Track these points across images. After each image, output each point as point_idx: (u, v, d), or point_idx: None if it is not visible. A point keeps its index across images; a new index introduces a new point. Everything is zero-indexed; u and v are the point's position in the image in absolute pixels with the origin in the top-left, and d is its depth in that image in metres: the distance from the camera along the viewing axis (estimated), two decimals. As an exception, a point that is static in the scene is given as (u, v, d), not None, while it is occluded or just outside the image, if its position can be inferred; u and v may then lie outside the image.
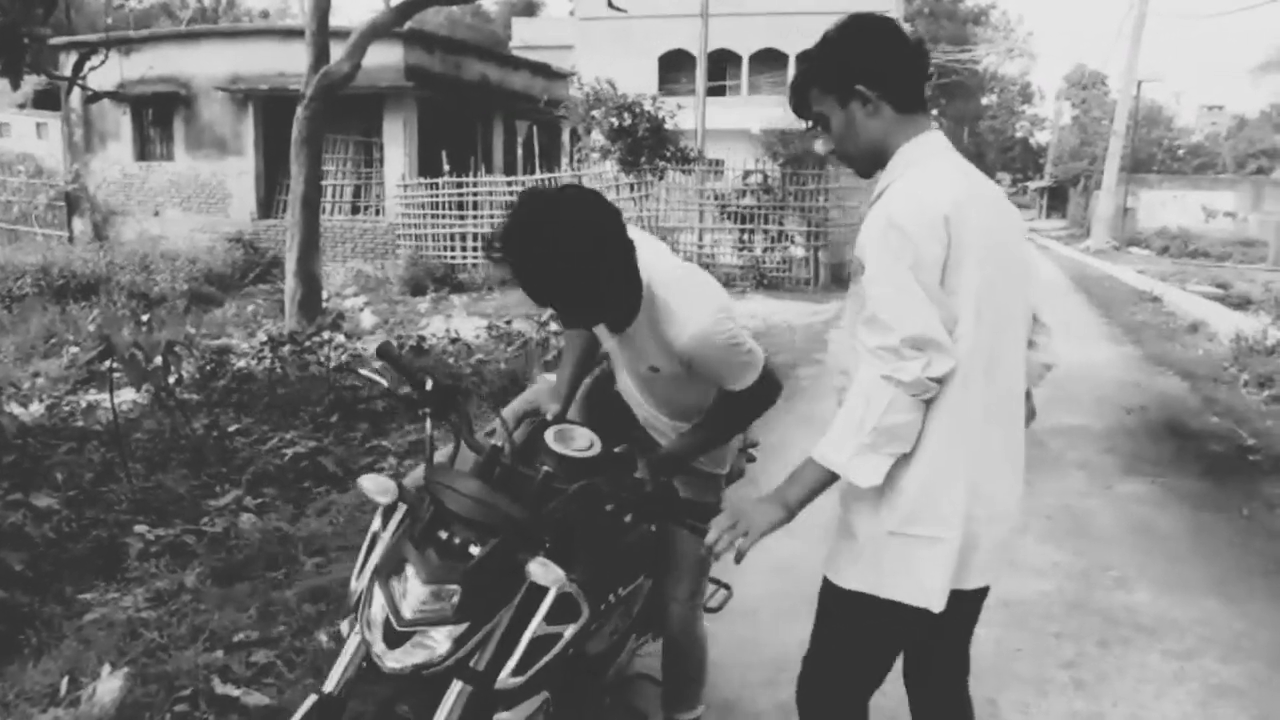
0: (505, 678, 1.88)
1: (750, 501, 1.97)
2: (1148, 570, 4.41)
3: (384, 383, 2.15)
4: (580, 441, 2.31)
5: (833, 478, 1.90)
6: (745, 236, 16.67)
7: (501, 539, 1.86)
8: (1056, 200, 51.54)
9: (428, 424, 2.08)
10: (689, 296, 2.13)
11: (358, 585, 1.99)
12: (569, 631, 1.97)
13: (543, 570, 1.84)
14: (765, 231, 16.55)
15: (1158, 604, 4.06)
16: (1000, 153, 67.13)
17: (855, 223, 18.45)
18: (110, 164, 21.02)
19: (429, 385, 2.07)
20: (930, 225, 1.81)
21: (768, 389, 2.27)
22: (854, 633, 2.06)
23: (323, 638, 3.47)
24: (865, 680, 2.12)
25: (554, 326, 9.55)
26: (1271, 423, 7.19)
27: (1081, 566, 4.41)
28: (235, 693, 3.06)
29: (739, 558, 1.94)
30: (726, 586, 3.09)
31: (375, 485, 1.97)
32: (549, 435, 2.27)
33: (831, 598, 2.06)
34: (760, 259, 16.38)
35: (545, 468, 2.03)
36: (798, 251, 16.43)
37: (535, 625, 1.88)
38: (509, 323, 9.55)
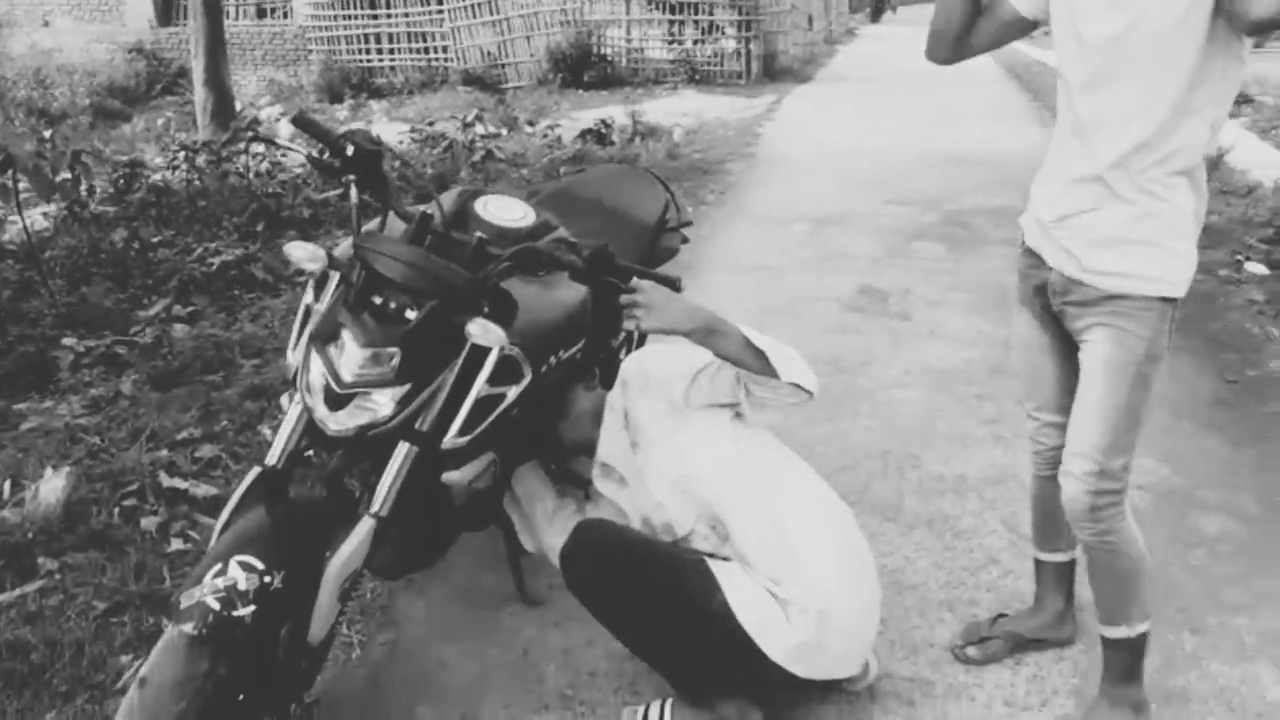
0: (451, 438, 1.91)
1: (679, 299, 1.96)
2: (1066, 335, 4.59)
3: (301, 153, 2.06)
4: (514, 211, 2.28)
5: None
6: (675, 28, 16.07)
7: (439, 302, 1.85)
8: (991, -13, 50.26)
9: (352, 191, 2.01)
10: None
11: (294, 357, 1.98)
12: (512, 392, 2.00)
13: (483, 331, 1.84)
14: (695, 23, 15.96)
15: (1074, 365, 4.26)
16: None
17: (786, 10, 17.88)
18: (-14, -32, 19.26)
19: (350, 151, 1.99)
20: None
21: None
22: None
23: (266, 431, 3.51)
24: None
25: (479, 129, 9.23)
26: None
27: (1003, 334, 4.56)
28: (183, 485, 3.10)
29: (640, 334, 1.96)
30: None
31: (304, 252, 1.93)
32: (480, 204, 2.23)
33: None
34: (691, 52, 15.88)
35: (479, 234, 1.99)
36: (729, 44, 15.94)
37: (479, 386, 1.90)
38: (432, 124, 9.21)
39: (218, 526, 1.90)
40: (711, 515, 2.03)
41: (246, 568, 1.67)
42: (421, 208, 2.04)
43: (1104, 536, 2.03)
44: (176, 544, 2.85)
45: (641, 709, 2.16)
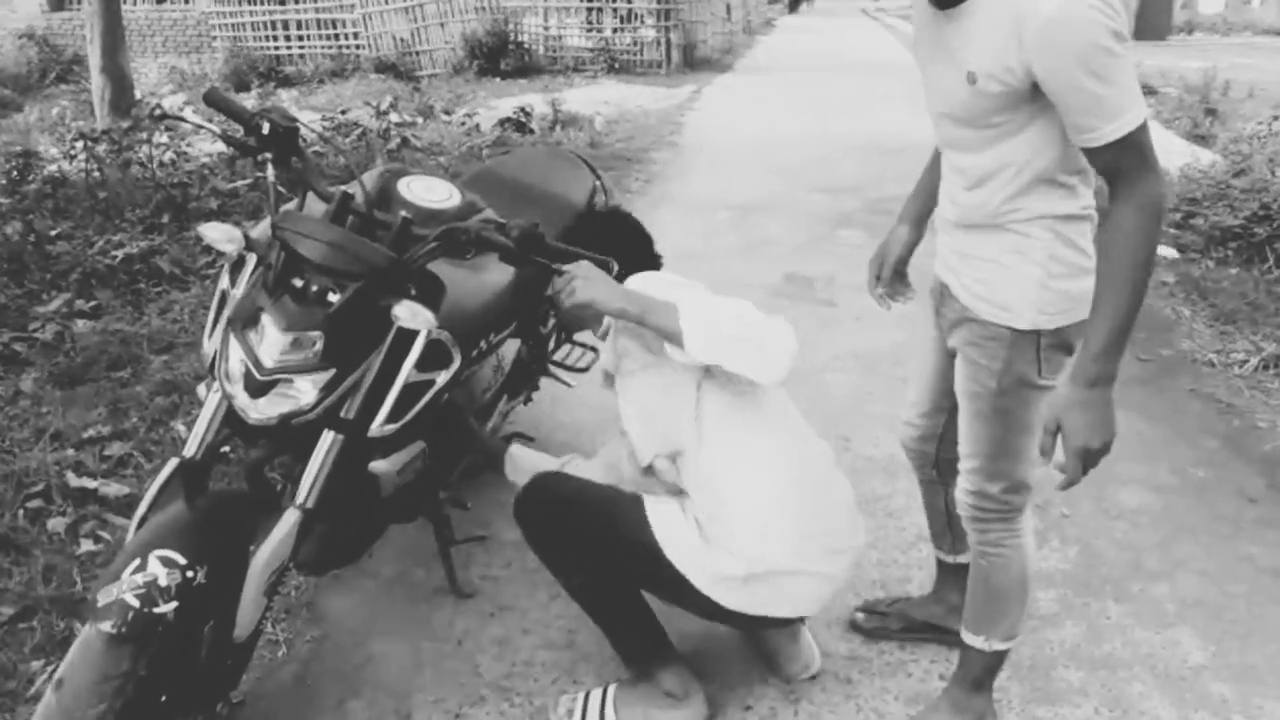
0: (378, 426, 1.84)
1: (613, 281, 1.90)
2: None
3: (214, 129, 1.96)
4: (439, 191, 2.21)
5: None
6: (593, 17, 15.99)
7: (363, 284, 1.78)
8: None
9: (269, 170, 1.92)
10: None
11: (211, 345, 1.88)
12: (441, 378, 1.94)
13: (410, 314, 1.78)
14: (614, 11, 15.90)
15: (994, 345, 4.34)
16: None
17: None
18: None
19: (266, 128, 1.90)
20: None
21: (1147, 169, 1.52)
22: None
23: (180, 427, 3.37)
24: None
25: (394, 117, 9.04)
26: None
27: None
28: (92, 484, 2.96)
29: (565, 310, 1.90)
30: (593, 349, 3.09)
31: (219, 233, 1.83)
32: (403, 184, 2.16)
33: None
34: (610, 41, 15.81)
35: (404, 214, 1.92)
36: (648, 33, 15.92)
37: (406, 371, 1.84)
38: (345, 112, 8.98)
39: (134, 521, 1.80)
40: (670, 451, 1.96)
41: (167, 562, 1.58)
42: (342, 187, 1.96)
43: (987, 548, 1.94)
44: (87, 545, 2.71)
45: (581, 696, 2.13)
